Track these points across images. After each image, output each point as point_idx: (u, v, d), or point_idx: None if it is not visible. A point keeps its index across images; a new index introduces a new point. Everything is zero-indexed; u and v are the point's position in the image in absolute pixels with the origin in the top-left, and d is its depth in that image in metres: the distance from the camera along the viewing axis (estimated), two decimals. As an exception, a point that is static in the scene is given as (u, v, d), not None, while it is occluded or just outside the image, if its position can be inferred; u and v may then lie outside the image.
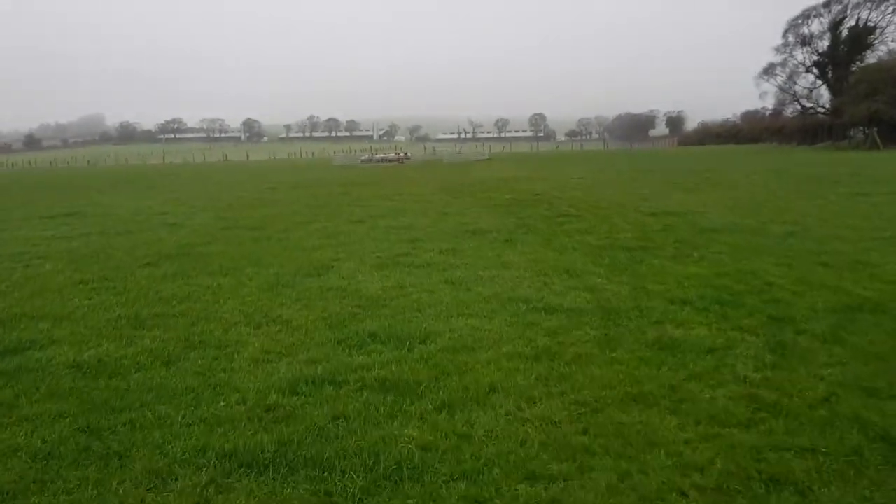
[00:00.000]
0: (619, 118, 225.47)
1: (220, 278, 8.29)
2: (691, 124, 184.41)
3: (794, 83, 58.22)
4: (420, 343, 5.43)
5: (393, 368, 4.82)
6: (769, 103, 68.01)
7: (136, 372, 4.95)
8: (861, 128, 51.47)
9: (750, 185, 20.51)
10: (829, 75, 56.45)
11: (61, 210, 18.82)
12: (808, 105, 58.51)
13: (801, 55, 58.54)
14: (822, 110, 57.39)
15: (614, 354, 5.04)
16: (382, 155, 62.98)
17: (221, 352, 5.34)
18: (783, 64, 58.59)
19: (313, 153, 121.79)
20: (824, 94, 58.11)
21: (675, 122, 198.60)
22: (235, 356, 5.22)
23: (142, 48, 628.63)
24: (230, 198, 21.89)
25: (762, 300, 6.54)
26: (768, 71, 59.36)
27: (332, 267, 8.90)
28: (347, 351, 5.29)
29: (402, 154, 62.86)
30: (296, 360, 5.12)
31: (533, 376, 4.62)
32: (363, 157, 62.44)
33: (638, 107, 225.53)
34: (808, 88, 57.67)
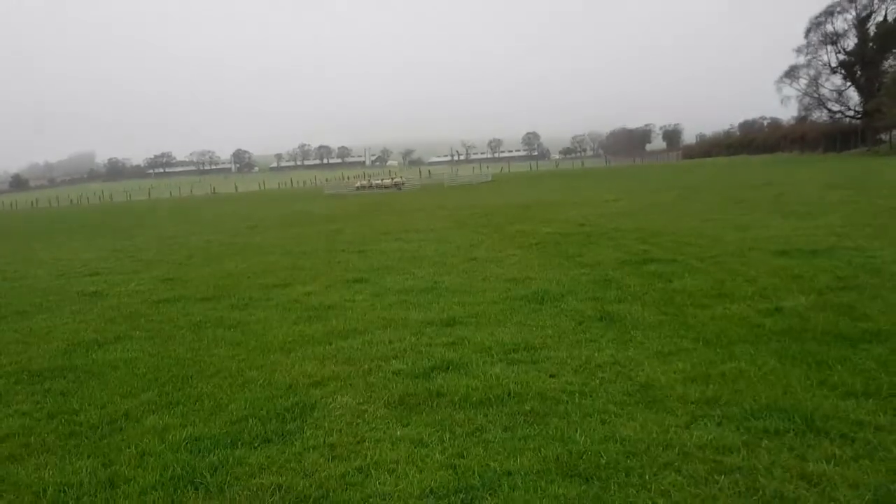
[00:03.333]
0: (614, 133, 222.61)
1: (76, 462, 3.97)
2: (688, 137, 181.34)
3: (819, 86, 53.87)
4: None
5: None
6: (792, 109, 63.29)
7: None
8: (901, 131, 47.33)
9: (848, 203, 16.30)
10: (858, 76, 52.30)
11: (-27, 271, 14.53)
12: (836, 109, 54.25)
13: (825, 55, 54.40)
14: (853, 114, 53.10)
15: None
16: (378, 182, 58.48)
17: None
18: (807, 65, 54.35)
19: (304, 182, 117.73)
20: (852, 97, 53.87)
21: (671, 135, 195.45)
22: None
23: (132, 88, 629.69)
24: (197, 243, 17.63)
25: None
26: (790, 74, 54.88)
27: (314, 406, 4.62)
28: None
29: (399, 179, 58.54)
30: None
31: None
32: (358, 185, 57.88)
33: (631, 122, 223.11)
34: (837, 91, 53.28)
